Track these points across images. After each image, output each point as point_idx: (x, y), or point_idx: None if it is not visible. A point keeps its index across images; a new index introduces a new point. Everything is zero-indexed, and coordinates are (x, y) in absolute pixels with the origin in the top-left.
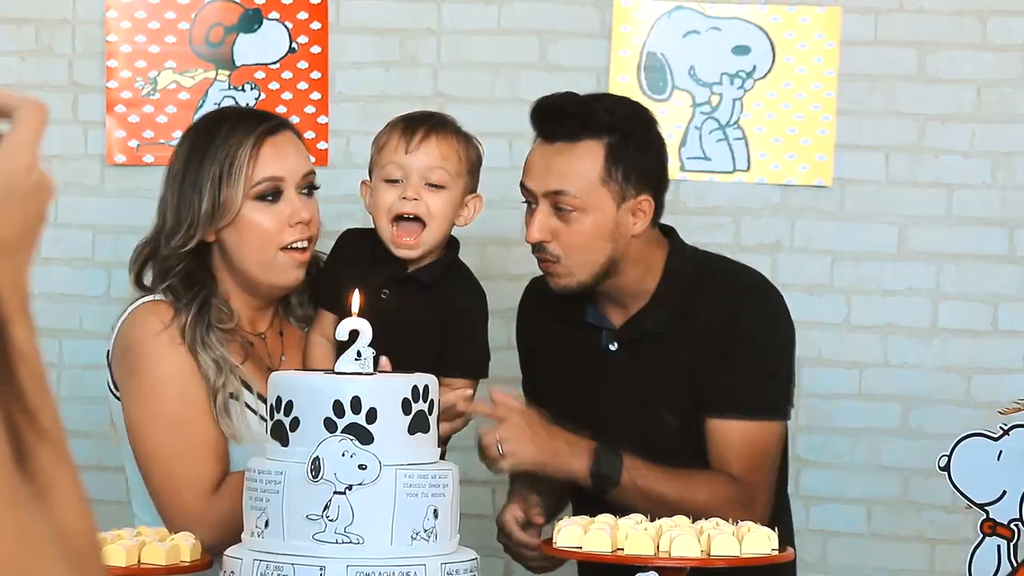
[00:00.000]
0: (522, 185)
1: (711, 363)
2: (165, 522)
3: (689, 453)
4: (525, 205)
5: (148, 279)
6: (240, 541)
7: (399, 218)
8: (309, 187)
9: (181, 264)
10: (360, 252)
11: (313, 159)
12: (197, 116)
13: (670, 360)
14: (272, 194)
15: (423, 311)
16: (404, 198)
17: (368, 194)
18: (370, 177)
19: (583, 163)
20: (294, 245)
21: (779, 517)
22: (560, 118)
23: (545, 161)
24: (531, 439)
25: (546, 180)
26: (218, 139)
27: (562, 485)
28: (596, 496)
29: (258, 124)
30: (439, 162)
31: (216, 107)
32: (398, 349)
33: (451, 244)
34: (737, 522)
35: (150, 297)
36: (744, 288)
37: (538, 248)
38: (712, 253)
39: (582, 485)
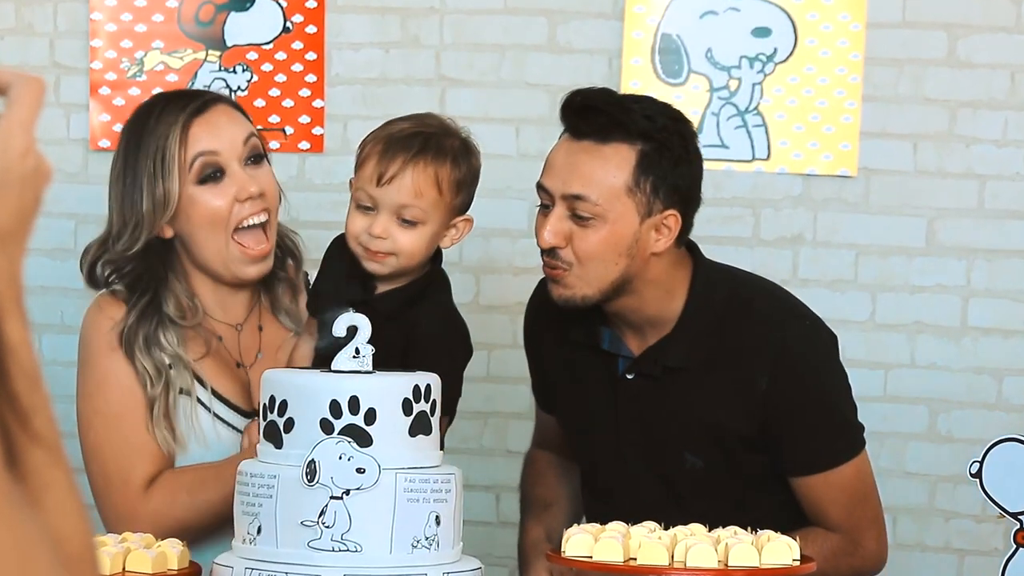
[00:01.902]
0: (539, 185)
1: (766, 423)
2: (102, 520)
3: (715, 494)
4: (536, 196)
5: (100, 278)
6: (179, 537)
7: None
8: (254, 156)
9: (130, 266)
10: (338, 263)
11: (309, 145)
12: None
13: (694, 397)
14: (213, 172)
15: (385, 338)
16: (371, 234)
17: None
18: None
19: (609, 167)
20: (249, 223)
21: None
22: (592, 114)
23: (569, 160)
24: None
25: (567, 181)
26: (147, 131)
27: (578, 511)
28: None
29: (185, 105)
30: (412, 199)
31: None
32: None
33: (433, 263)
34: (756, 531)
35: (106, 291)
36: (782, 330)
37: (549, 252)
38: (739, 271)
39: None
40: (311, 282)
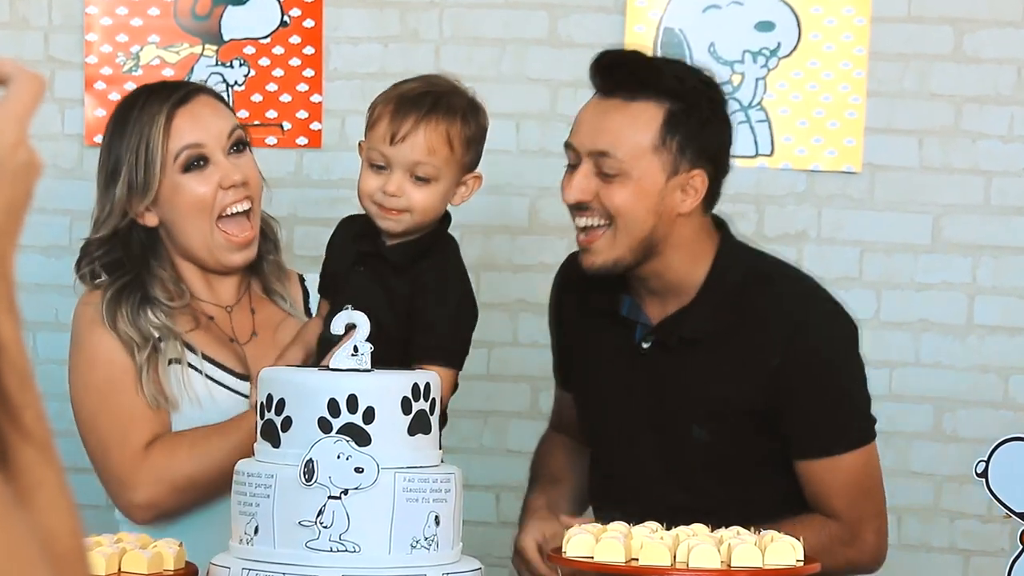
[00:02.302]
0: (567, 144)
1: (776, 398)
2: (105, 489)
3: (717, 470)
4: (559, 181)
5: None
6: (184, 498)
7: None
8: (238, 144)
9: (105, 250)
10: (346, 232)
11: (307, 140)
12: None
13: (707, 369)
14: (198, 160)
15: (392, 288)
16: (385, 192)
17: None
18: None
19: (636, 125)
20: (232, 210)
21: None
22: (621, 72)
23: (596, 117)
24: None
25: (593, 138)
26: (130, 121)
27: (583, 496)
28: None
29: (168, 96)
30: (425, 156)
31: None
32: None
33: (441, 223)
34: (759, 531)
35: (90, 287)
36: (801, 309)
37: (580, 213)
38: (765, 253)
39: None
40: (304, 283)
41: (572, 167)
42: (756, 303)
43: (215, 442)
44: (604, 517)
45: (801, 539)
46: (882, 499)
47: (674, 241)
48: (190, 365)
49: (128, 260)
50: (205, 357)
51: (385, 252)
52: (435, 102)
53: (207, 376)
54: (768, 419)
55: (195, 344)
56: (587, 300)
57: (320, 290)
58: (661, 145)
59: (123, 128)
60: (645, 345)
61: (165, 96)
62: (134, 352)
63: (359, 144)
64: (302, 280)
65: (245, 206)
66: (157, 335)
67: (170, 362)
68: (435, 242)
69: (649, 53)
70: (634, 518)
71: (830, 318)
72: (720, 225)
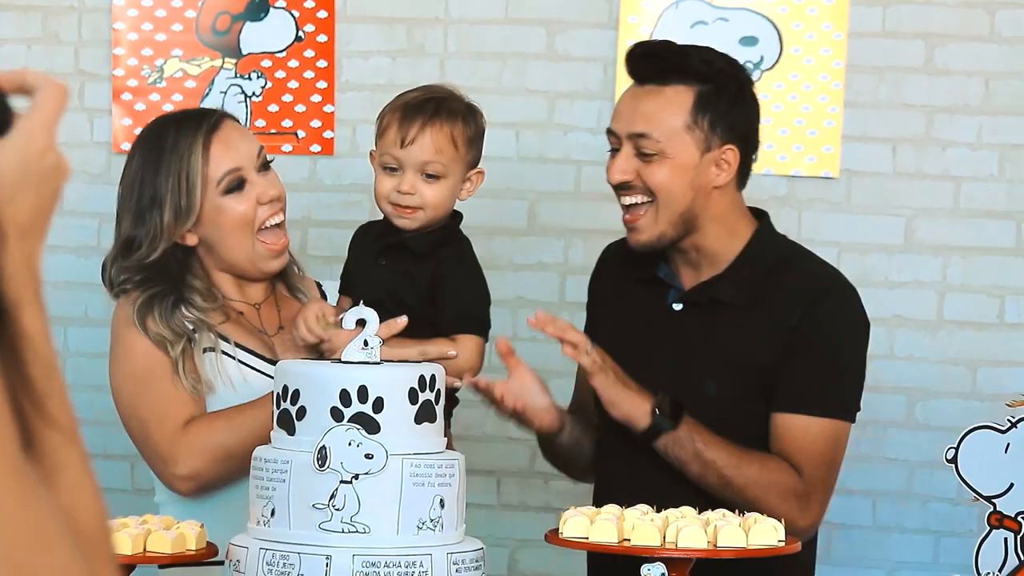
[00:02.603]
0: (608, 130)
1: (782, 354)
2: (150, 467)
3: (723, 430)
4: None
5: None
6: (224, 468)
7: None
8: (265, 162)
9: (143, 273)
10: (364, 235)
11: (320, 148)
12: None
13: (730, 333)
14: (238, 183)
15: (414, 275)
16: (400, 191)
17: (376, 164)
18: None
19: (670, 107)
20: (270, 223)
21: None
22: (652, 59)
23: (633, 103)
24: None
25: (631, 122)
26: (167, 150)
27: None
28: (644, 440)
29: (200, 124)
30: (433, 156)
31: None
32: (398, 316)
33: (452, 218)
34: (744, 513)
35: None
36: (826, 284)
37: (623, 189)
38: (800, 245)
39: (635, 425)
40: (322, 288)
41: (614, 151)
42: (786, 278)
43: (249, 414)
44: (611, 477)
45: (762, 469)
46: (834, 481)
47: (711, 214)
48: (223, 352)
49: (164, 277)
50: (237, 345)
51: (408, 242)
52: (437, 107)
53: (240, 361)
54: (771, 377)
55: (227, 334)
56: (627, 265)
57: (340, 289)
58: (694, 124)
59: (157, 160)
60: (676, 307)
61: (195, 126)
62: (168, 349)
63: (370, 153)
64: (319, 286)
65: (279, 218)
66: (191, 327)
67: (204, 351)
68: (451, 235)
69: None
70: (639, 477)
71: (850, 304)
72: (761, 215)
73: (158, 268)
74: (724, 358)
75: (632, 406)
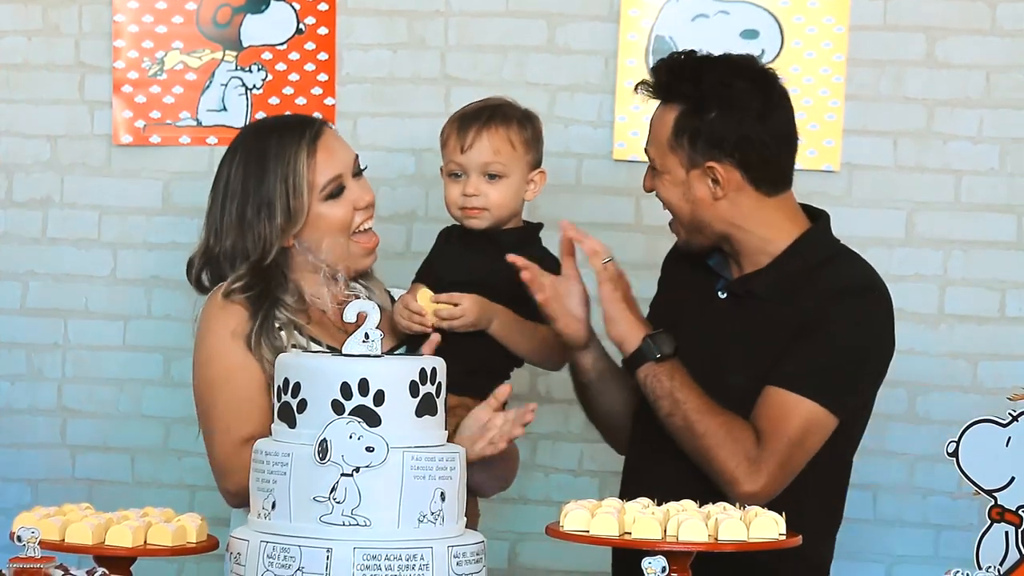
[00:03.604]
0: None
1: (791, 341)
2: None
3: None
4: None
5: (207, 282)
6: None
7: None
8: (358, 170)
9: (254, 276)
10: (447, 235)
11: None
12: (243, 128)
13: (759, 326)
14: (338, 190)
15: (504, 268)
16: (465, 194)
17: (444, 175)
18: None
19: (660, 125)
20: (364, 227)
21: (823, 538)
22: (656, 79)
23: (651, 122)
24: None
25: (646, 138)
26: (270, 157)
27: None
28: (628, 365)
29: (303, 131)
30: (492, 157)
31: (258, 117)
32: (510, 306)
33: (533, 228)
34: (744, 507)
35: (225, 295)
36: (853, 286)
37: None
38: (851, 250)
39: (625, 347)
40: (390, 293)
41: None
42: (822, 276)
43: None
44: (640, 451)
45: (724, 424)
46: (796, 463)
47: (728, 221)
48: (305, 350)
49: (271, 282)
50: (311, 338)
51: (496, 237)
52: (491, 114)
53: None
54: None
55: (317, 336)
56: (687, 255)
57: (417, 277)
58: (675, 143)
59: (261, 167)
60: (722, 296)
61: (298, 134)
62: (267, 370)
63: (440, 169)
64: (388, 293)
65: (372, 222)
66: (278, 326)
67: (293, 346)
68: (533, 234)
69: (703, 53)
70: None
71: (873, 312)
72: (816, 217)
73: (262, 272)
74: (751, 349)
75: (628, 327)
